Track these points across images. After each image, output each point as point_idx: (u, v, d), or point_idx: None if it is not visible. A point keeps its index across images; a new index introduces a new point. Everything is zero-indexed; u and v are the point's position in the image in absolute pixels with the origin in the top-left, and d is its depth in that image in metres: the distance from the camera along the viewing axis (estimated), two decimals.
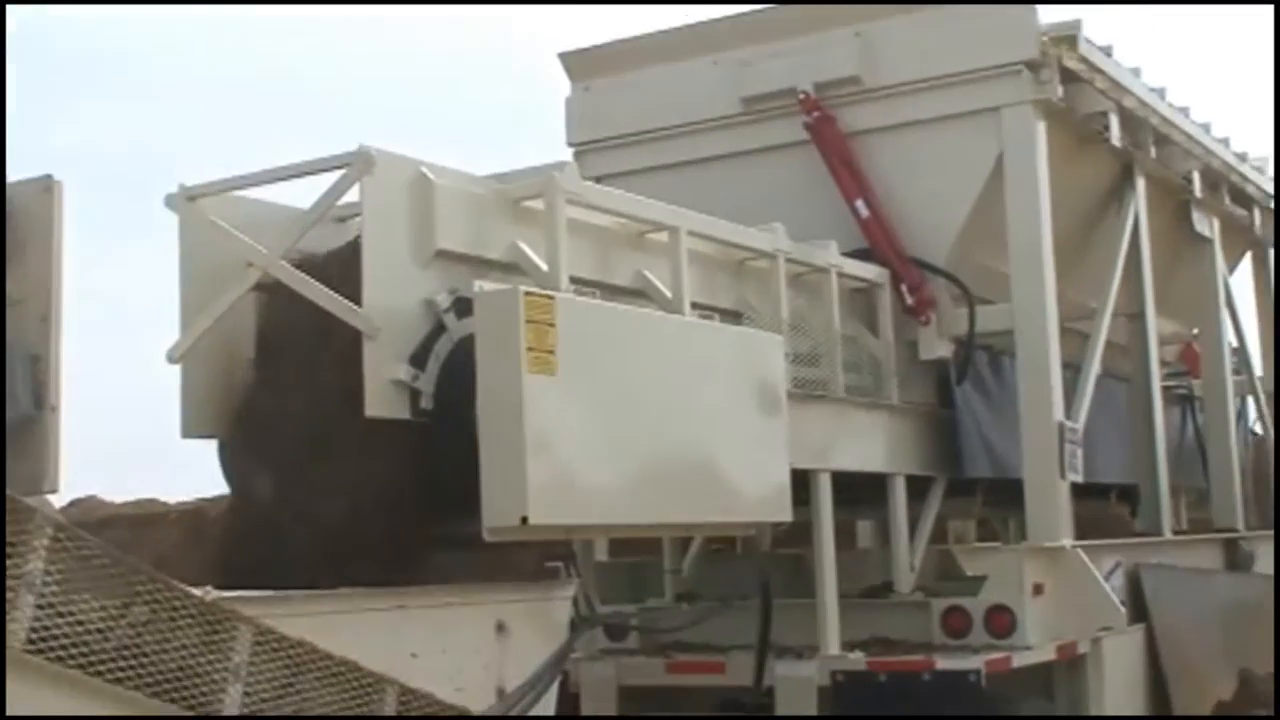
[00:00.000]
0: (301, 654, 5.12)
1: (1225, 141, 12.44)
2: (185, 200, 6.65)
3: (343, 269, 6.46)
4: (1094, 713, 9.13)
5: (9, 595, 4.31)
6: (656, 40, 10.47)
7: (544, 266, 6.72)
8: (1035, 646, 8.57)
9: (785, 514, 7.42)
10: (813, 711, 8.10)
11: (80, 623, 4.51)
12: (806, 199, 9.62)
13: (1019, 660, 8.37)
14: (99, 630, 4.55)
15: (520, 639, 6.09)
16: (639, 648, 9.06)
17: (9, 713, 4.30)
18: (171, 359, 6.64)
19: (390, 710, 5.41)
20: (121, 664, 4.58)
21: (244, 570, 6.05)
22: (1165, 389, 11.91)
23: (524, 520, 5.79)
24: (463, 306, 6.32)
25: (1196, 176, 11.93)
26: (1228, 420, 12.65)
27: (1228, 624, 11.27)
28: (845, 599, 8.55)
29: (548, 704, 6.17)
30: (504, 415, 5.84)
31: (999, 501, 10.54)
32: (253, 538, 6.61)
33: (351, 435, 6.32)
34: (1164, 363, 12.03)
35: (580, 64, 10.64)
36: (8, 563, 4.32)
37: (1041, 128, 9.40)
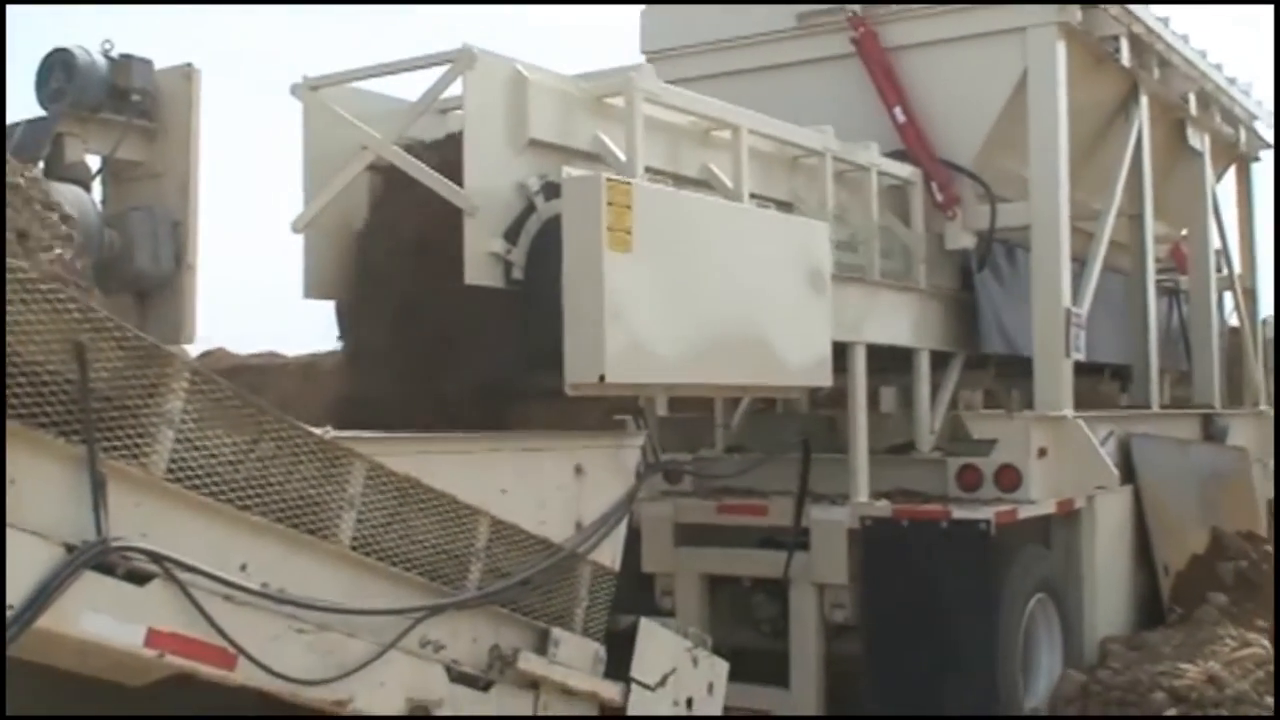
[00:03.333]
0: (407, 487, 4.97)
1: (1219, 67, 11.98)
2: (308, 90, 6.44)
3: (444, 154, 6.28)
4: (1084, 558, 8.99)
5: (152, 429, 4.17)
6: None
7: (622, 156, 6.47)
8: (1038, 501, 8.38)
9: (826, 380, 7.22)
10: (843, 551, 7.96)
11: (213, 455, 4.36)
12: (849, 105, 9.28)
13: (1024, 512, 8.18)
14: (230, 462, 4.41)
15: (596, 480, 5.93)
16: (693, 490, 8.94)
17: (151, 531, 4.18)
18: (296, 229, 6.45)
19: (483, 536, 5.28)
20: (250, 492, 4.45)
21: (355, 413, 5.93)
22: (1155, 282, 11.56)
23: (601, 378, 5.62)
24: (550, 190, 6.10)
25: (1192, 97, 11.52)
26: (1210, 312, 12.32)
27: (1203, 487, 11.04)
28: (872, 455, 8.34)
29: (618, 536, 6.03)
30: (586, 286, 5.65)
31: (1006, 375, 10.29)
32: (363, 385, 6.49)
33: (449, 300, 6.17)
34: (1155, 259, 11.66)
35: None
36: (152, 400, 4.18)
37: (1062, 47, 9.01)
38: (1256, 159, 13.75)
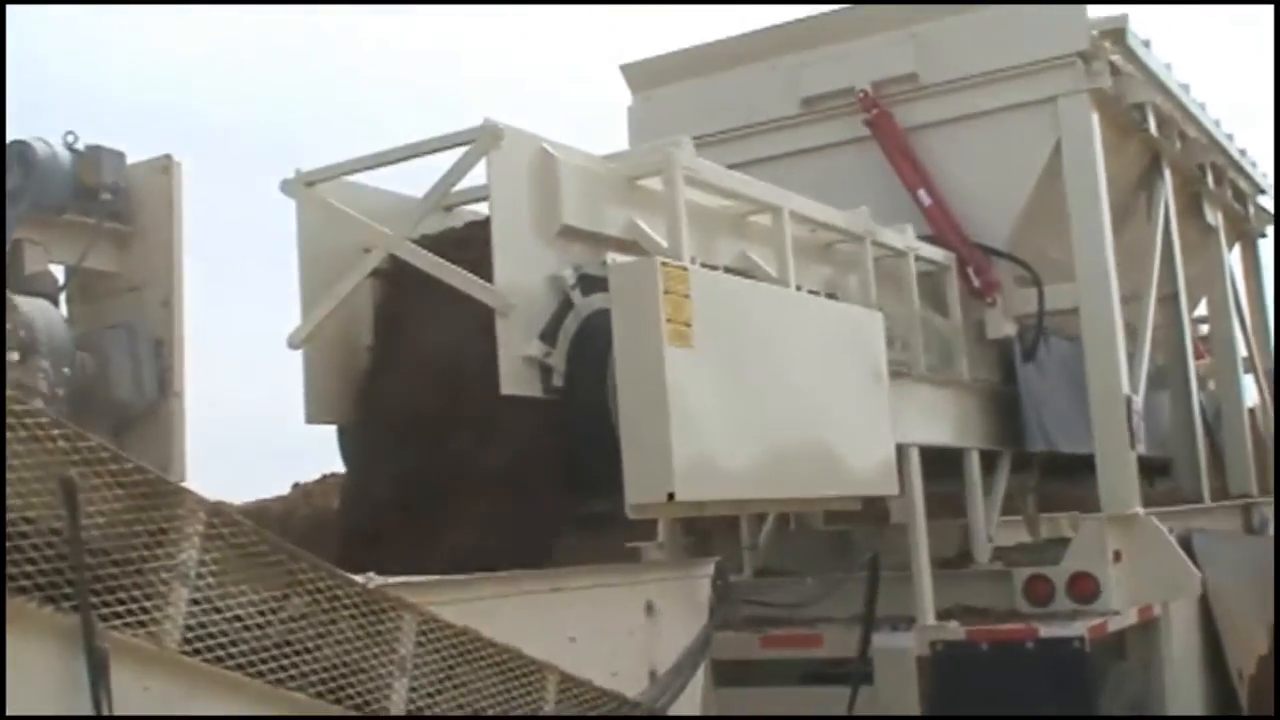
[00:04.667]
0: (464, 642, 4.06)
1: (1231, 137, 11.43)
2: (302, 185, 5.61)
3: (443, 251, 5.48)
4: (1166, 670, 8.14)
5: (162, 588, 3.27)
6: (714, 49, 9.38)
7: (664, 243, 5.67)
8: (1121, 611, 7.54)
9: (893, 488, 6.42)
10: (913, 682, 7.07)
11: (236, 618, 3.46)
12: (863, 193, 8.48)
13: (1113, 625, 7.34)
14: (256, 625, 3.51)
15: (669, 619, 5.04)
16: (721, 623, 7.98)
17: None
18: (293, 345, 5.57)
19: (552, 697, 4.37)
20: (283, 662, 3.53)
21: (365, 551, 5.04)
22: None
23: (670, 496, 4.76)
24: (589, 283, 5.30)
25: (1209, 170, 10.93)
26: (1240, 395, 11.68)
27: (1256, 584, 10.27)
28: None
29: (696, 685, 5.12)
30: (646, 389, 4.82)
31: (1053, 475, 9.54)
32: (375, 520, 5.59)
33: (473, 417, 5.33)
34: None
35: (641, 75, 9.58)
36: (161, 551, 3.28)
37: (1095, 116, 8.36)
38: (1263, 235, 13.19)
